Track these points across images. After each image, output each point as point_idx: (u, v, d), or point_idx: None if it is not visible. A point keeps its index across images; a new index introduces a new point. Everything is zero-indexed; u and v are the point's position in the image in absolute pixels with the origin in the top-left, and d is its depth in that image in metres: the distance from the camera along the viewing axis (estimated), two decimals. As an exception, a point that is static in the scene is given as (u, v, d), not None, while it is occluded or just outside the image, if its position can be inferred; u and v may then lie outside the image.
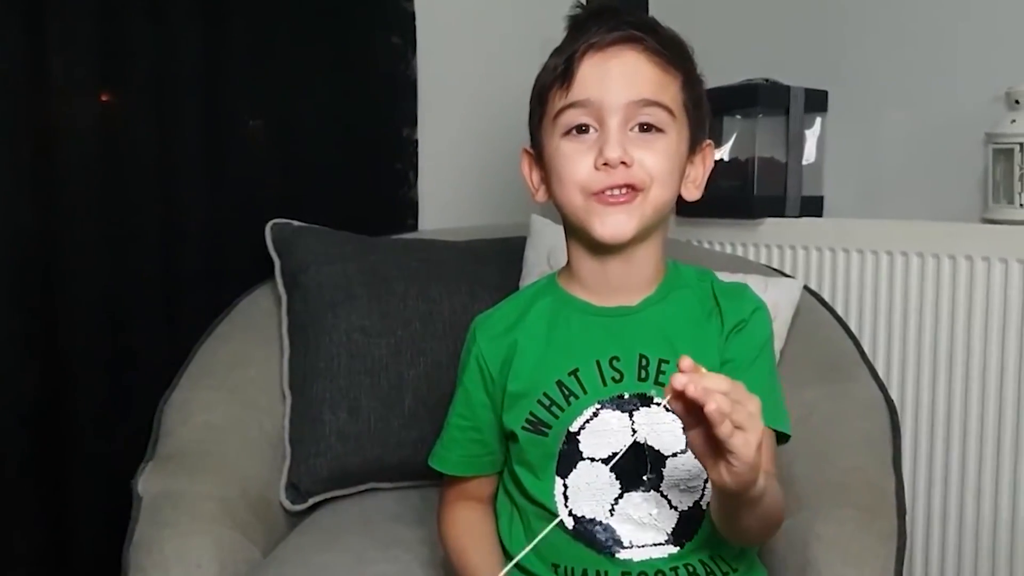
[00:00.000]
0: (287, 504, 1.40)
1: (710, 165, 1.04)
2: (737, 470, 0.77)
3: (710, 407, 0.73)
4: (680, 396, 0.74)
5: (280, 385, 1.49)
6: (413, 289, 1.54)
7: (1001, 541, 1.54)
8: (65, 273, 1.54)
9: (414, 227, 1.93)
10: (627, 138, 0.93)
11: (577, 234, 1.00)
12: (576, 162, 0.94)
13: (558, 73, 0.95)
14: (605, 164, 0.93)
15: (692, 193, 1.03)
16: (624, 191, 0.94)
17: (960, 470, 1.59)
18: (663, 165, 0.95)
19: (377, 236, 1.69)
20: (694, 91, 0.99)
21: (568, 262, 1.04)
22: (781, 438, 1.02)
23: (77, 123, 1.55)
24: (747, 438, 0.75)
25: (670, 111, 0.95)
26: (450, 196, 1.99)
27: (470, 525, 1.06)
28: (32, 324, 1.51)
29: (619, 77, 0.94)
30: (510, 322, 1.04)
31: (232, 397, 1.44)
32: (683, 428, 0.79)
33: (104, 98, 1.60)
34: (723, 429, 0.74)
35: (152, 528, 1.21)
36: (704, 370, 0.74)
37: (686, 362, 0.74)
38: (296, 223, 1.61)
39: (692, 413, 0.75)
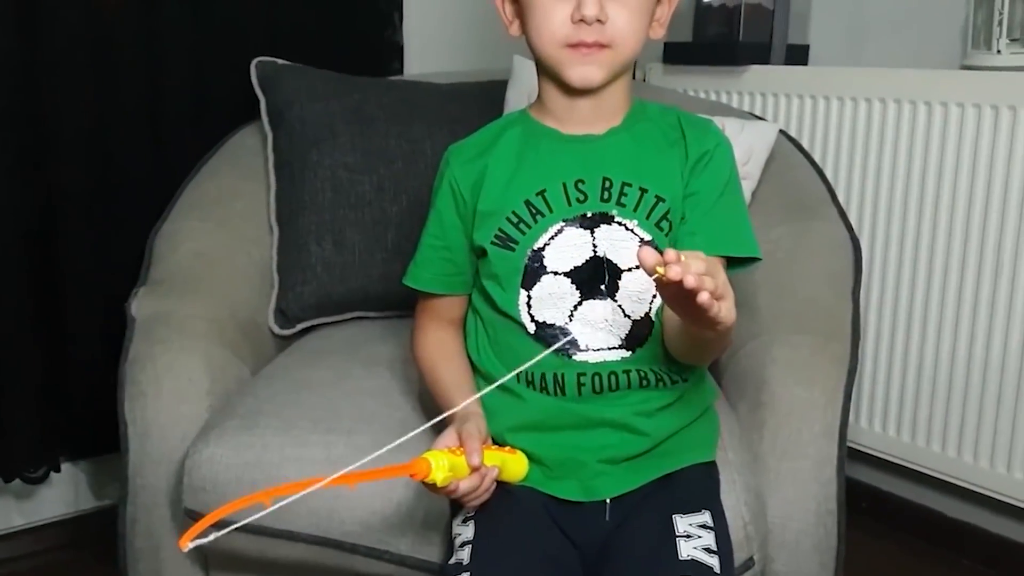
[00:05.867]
0: (276, 328, 1.48)
1: (676, 1, 1.07)
2: (722, 327, 0.84)
3: (702, 298, 0.78)
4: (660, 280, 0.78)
5: (267, 218, 1.54)
6: (396, 128, 1.57)
7: (941, 369, 1.64)
8: (55, 111, 1.57)
9: (399, 71, 1.94)
10: None
11: (549, 74, 1.04)
12: (553, 14, 0.98)
13: None
14: (581, 20, 0.96)
15: (657, 32, 1.06)
16: (595, 46, 0.98)
17: (923, 307, 1.66)
18: (635, 22, 0.99)
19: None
20: None
21: (539, 95, 1.08)
22: (752, 261, 1.08)
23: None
24: (728, 304, 0.82)
25: None
26: (436, 40, 1.99)
27: (441, 344, 1.13)
28: (25, 159, 1.55)
29: None
30: (482, 148, 1.09)
31: (221, 228, 1.49)
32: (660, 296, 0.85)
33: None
34: (712, 308, 0.80)
35: (145, 345, 1.28)
36: (682, 256, 0.78)
37: (670, 254, 0.77)
38: (280, 61, 1.62)
39: (668, 288, 0.80)
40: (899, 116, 1.66)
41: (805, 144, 1.70)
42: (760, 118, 1.71)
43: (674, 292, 0.80)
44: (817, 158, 1.67)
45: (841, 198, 1.57)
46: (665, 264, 0.77)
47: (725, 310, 0.82)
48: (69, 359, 1.62)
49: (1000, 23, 1.56)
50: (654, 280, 0.79)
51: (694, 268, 0.77)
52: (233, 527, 0.80)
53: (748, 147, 1.51)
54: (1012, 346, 1.55)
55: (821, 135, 1.78)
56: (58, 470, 1.66)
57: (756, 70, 1.88)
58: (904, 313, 1.69)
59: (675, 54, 2.00)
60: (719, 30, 1.94)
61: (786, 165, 1.56)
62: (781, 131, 1.60)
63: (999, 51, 1.57)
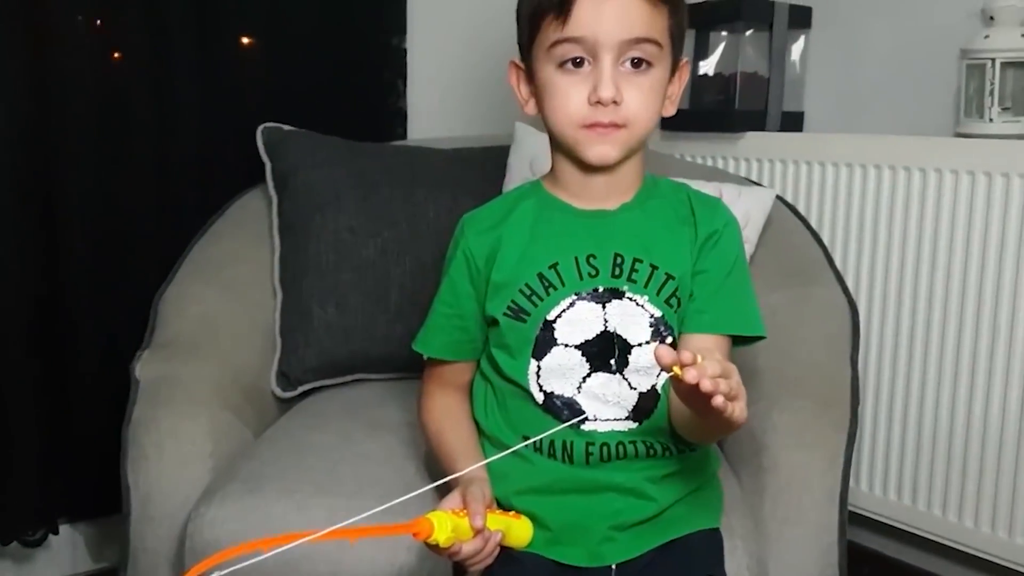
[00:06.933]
0: (278, 391, 1.48)
1: (686, 79, 1.10)
2: (734, 426, 0.87)
3: (717, 401, 0.80)
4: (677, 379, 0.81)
5: (271, 281, 1.56)
6: (399, 192, 1.59)
7: (941, 433, 1.65)
8: (63, 172, 1.60)
9: (403, 136, 1.97)
10: (619, 74, 0.99)
11: (564, 151, 1.06)
12: (570, 96, 1.00)
13: (554, 3, 0.99)
14: (598, 102, 0.99)
15: (669, 109, 1.08)
16: (611, 126, 1.00)
17: (921, 371, 1.67)
18: (649, 103, 1.02)
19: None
20: (680, 17, 1.04)
21: (552, 169, 1.11)
22: (758, 339, 1.10)
23: (75, 31, 1.60)
24: (741, 404, 0.85)
25: (659, 44, 1.01)
26: (439, 106, 2.03)
27: (448, 409, 1.14)
28: (33, 219, 1.58)
29: (614, 16, 0.98)
30: (496, 219, 1.11)
31: (225, 291, 1.51)
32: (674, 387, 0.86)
33: (100, 11, 1.64)
34: (727, 410, 0.82)
35: (149, 408, 1.28)
36: (699, 358, 0.80)
37: (686, 355, 0.80)
38: (286, 127, 1.65)
39: (683, 385, 0.82)
40: (894, 182, 1.69)
41: (801, 209, 1.73)
42: (757, 184, 1.73)
43: (689, 390, 0.81)
44: (813, 223, 1.69)
45: (837, 263, 1.59)
46: (682, 366, 0.79)
47: (739, 411, 0.84)
48: (70, 421, 1.63)
49: (992, 93, 1.59)
50: (670, 377, 0.81)
51: (710, 371, 0.79)
52: (235, 568, 0.79)
53: (745, 212, 1.53)
54: (1010, 410, 1.56)
55: (817, 200, 1.81)
56: (56, 532, 1.65)
57: (752, 136, 1.92)
58: (902, 377, 1.70)
59: (673, 121, 2.01)
60: (716, 98, 1.98)
61: (783, 230, 1.58)
62: (778, 196, 1.62)
63: (991, 120, 1.61)
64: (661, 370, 0.81)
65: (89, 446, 1.62)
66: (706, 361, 0.80)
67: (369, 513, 0.82)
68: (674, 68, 1.06)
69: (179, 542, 1.18)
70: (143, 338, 1.42)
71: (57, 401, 1.62)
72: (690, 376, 0.79)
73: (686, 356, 0.79)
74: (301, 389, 1.50)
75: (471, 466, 1.03)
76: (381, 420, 1.35)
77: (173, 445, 1.25)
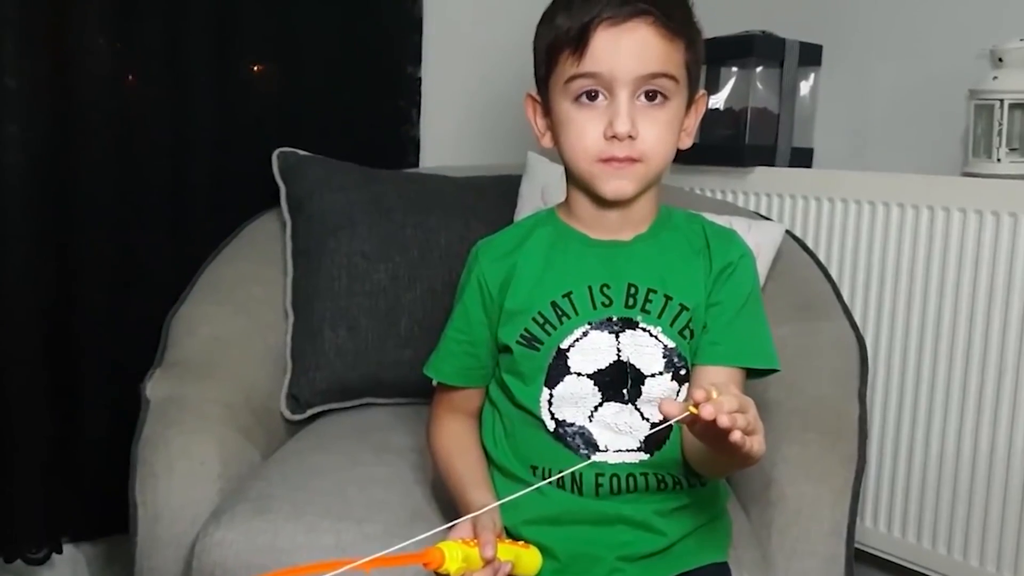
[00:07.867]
0: (287, 414, 1.49)
1: (702, 112, 1.11)
2: (752, 461, 0.87)
3: (735, 437, 0.80)
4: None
5: (283, 304, 1.57)
6: (412, 218, 1.61)
7: (947, 470, 1.64)
8: (79, 192, 1.62)
9: (415, 164, 1.99)
10: (635, 108, 1.00)
11: (580, 185, 1.07)
12: (586, 131, 1.01)
13: (570, 38, 1.00)
14: (614, 136, 0.99)
15: (685, 142, 1.09)
16: (627, 160, 1.01)
17: (928, 407, 1.67)
18: (665, 137, 1.02)
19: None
20: (696, 51, 1.05)
21: (567, 200, 1.11)
22: (771, 372, 1.10)
23: (94, 55, 1.62)
24: (759, 438, 0.84)
25: (675, 78, 1.01)
26: (451, 135, 2.05)
27: (456, 435, 1.14)
28: (48, 238, 1.59)
29: (630, 52, 0.99)
30: (511, 247, 1.11)
31: (237, 313, 1.52)
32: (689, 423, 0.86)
33: (119, 35, 1.66)
34: (745, 445, 0.82)
35: (159, 427, 1.29)
36: (714, 393, 0.80)
37: (699, 393, 0.80)
38: (302, 152, 1.67)
39: (699, 423, 0.82)
40: (902, 219, 1.70)
41: (810, 244, 1.73)
42: (766, 218, 1.75)
43: (705, 427, 0.81)
44: (822, 258, 1.70)
45: (846, 298, 1.60)
46: (696, 404, 0.79)
47: (757, 444, 0.84)
48: (78, 439, 1.63)
49: (1000, 133, 1.61)
50: (688, 412, 0.80)
51: (727, 406, 0.79)
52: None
53: (755, 246, 1.52)
54: (1016, 448, 1.56)
55: (825, 236, 1.81)
56: (60, 551, 1.65)
57: (762, 171, 1.93)
58: (908, 413, 1.70)
59: (683, 154, 2.03)
60: (726, 132, 1.99)
61: (792, 264, 1.59)
62: (787, 231, 1.63)
63: (999, 160, 1.62)
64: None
65: (95, 465, 1.62)
66: (722, 396, 0.80)
67: (381, 554, 0.82)
68: (690, 101, 1.07)
69: (186, 563, 1.18)
70: (152, 358, 1.42)
71: (64, 420, 1.62)
72: (707, 412, 0.78)
73: (699, 394, 0.79)
74: (310, 412, 1.50)
75: (480, 493, 1.04)
76: (390, 444, 1.35)
77: (182, 464, 1.26)
